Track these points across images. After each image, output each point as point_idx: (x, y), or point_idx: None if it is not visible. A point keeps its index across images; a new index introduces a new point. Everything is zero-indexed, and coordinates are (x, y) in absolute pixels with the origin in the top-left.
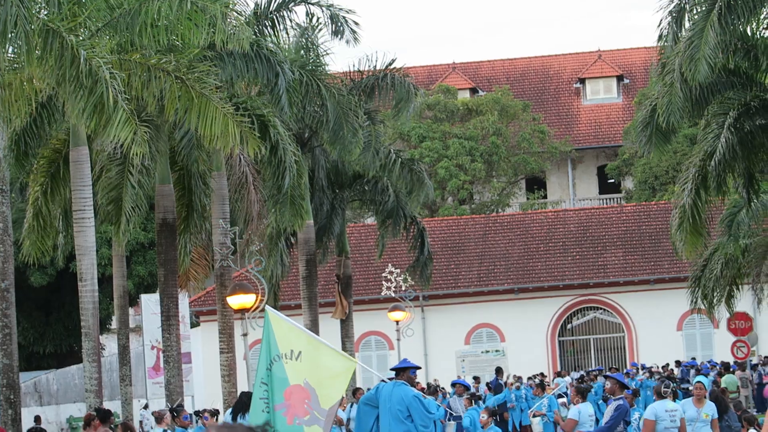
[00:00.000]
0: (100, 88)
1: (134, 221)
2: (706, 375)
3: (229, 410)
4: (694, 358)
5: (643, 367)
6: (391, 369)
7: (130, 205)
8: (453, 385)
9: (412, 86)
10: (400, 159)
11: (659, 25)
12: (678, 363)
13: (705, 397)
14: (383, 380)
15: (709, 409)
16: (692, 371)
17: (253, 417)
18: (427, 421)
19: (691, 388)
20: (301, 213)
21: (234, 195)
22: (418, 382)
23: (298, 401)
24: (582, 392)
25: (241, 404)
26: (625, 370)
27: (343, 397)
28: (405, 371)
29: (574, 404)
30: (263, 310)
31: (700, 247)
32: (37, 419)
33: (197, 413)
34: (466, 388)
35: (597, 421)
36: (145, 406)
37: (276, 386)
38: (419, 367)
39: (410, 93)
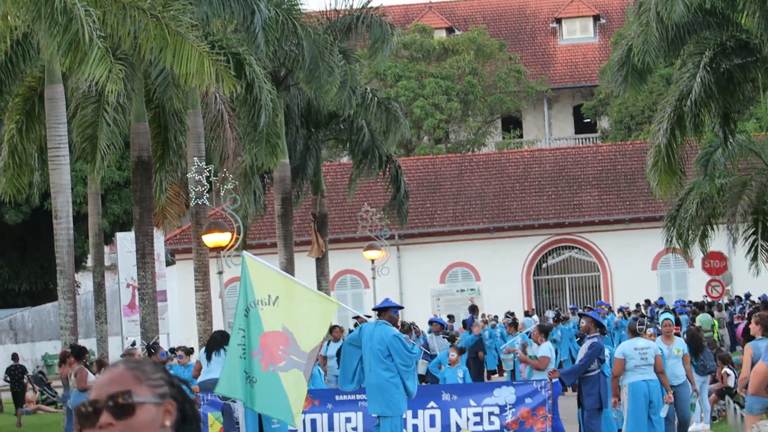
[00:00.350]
0: (75, 25)
1: (109, 159)
2: (681, 315)
3: (203, 348)
4: (662, 298)
5: (620, 309)
6: (373, 309)
7: (105, 143)
8: (430, 323)
9: (388, 26)
10: (376, 98)
11: None
12: (647, 302)
13: (673, 333)
14: (358, 317)
15: (679, 344)
16: (661, 310)
17: (230, 362)
18: (407, 360)
19: (659, 326)
20: (277, 151)
21: (209, 133)
22: None
23: (273, 347)
24: (545, 331)
25: (214, 342)
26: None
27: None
28: (387, 311)
29: (538, 343)
30: (239, 249)
31: (674, 187)
32: (15, 356)
33: (172, 350)
34: (442, 326)
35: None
36: (133, 344)
37: (252, 332)
38: (401, 307)
39: (386, 33)
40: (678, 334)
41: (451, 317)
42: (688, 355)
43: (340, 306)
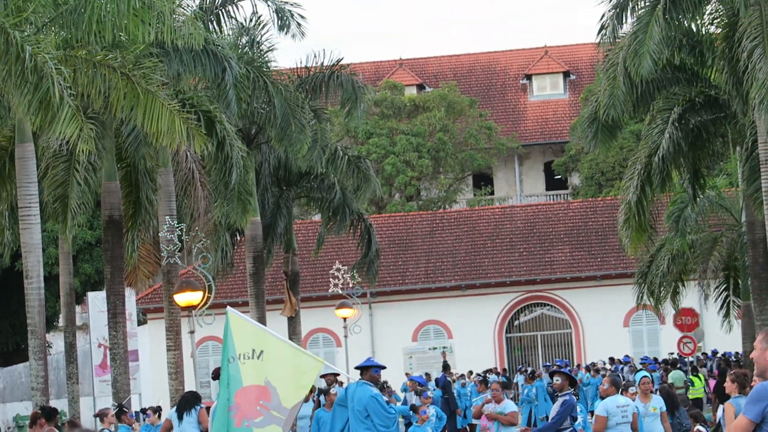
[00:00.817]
0: (45, 83)
1: (81, 219)
2: (652, 372)
3: (174, 408)
4: (627, 356)
5: (587, 368)
6: (355, 368)
7: (76, 202)
8: (410, 380)
9: (361, 86)
10: (346, 156)
11: (602, 18)
12: (612, 360)
13: (651, 392)
14: (325, 376)
15: (656, 402)
16: (626, 368)
17: (218, 421)
18: (386, 421)
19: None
20: (248, 209)
21: (180, 192)
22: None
23: (250, 402)
24: (506, 387)
25: (185, 401)
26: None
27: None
28: (368, 370)
29: (498, 400)
30: (210, 307)
31: (645, 243)
32: None
33: (142, 411)
34: (421, 384)
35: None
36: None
37: (230, 387)
38: (383, 366)
39: (359, 93)
40: (653, 392)
41: (427, 375)
42: (665, 412)
43: (324, 365)
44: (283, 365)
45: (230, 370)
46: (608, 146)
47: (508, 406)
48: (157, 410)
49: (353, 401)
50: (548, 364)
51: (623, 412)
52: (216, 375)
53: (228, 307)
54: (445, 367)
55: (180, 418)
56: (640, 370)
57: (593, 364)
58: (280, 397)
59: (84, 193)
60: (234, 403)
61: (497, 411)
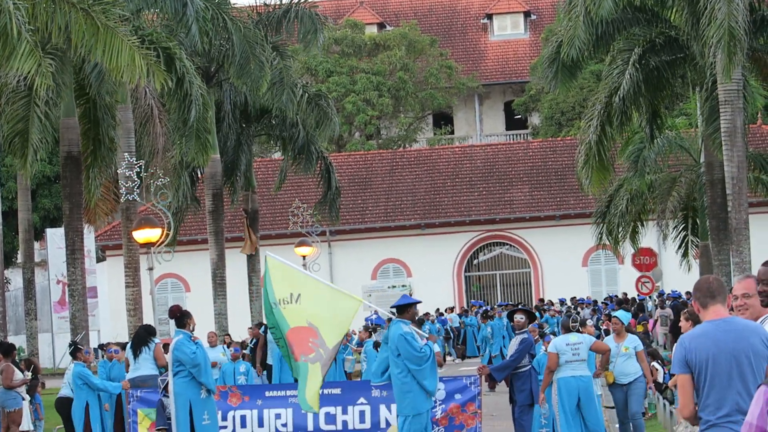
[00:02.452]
0: (3, 18)
1: (40, 154)
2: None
3: (129, 344)
4: (582, 298)
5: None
6: (392, 307)
7: (37, 137)
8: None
9: (320, 16)
10: (307, 94)
11: None
12: (562, 302)
13: (624, 332)
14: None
15: (630, 342)
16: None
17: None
18: (416, 360)
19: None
20: (207, 147)
21: (139, 128)
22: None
23: (302, 340)
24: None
25: (139, 338)
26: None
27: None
28: (407, 308)
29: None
30: (169, 244)
31: (606, 183)
32: None
33: (101, 347)
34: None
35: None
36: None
37: (279, 331)
38: (419, 302)
39: (318, 24)
40: (630, 332)
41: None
42: (642, 351)
43: (363, 303)
44: (322, 307)
45: (275, 316)
46: (568, 86)
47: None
48: (125, 346)
49: (389, 340)
50: (503, 303)
51: (574, 349)
52: (173, 313)
53: (267, 253)
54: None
55: (135, 354)
56: (613, 310)
57: (550, 302)
58: (324, 338)
59: (45, 129)
60: (288, 342)
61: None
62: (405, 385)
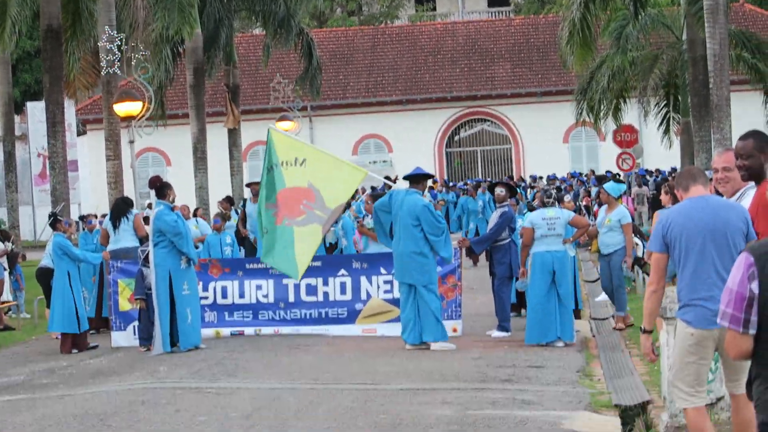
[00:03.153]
0: None
1: (20, 27)
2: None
3: (107, 217)
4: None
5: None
6: (404, 177)
7: (15, 9)
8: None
9: None
10: None
11: None
12: (533, 178)
13: (614, 203)
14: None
15: (616, 214)
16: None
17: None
18: (437, 231)
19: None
20: (190, 20)
21: (120, 1)
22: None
23: (294, 202)
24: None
25: (118, 209)
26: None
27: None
28: (422, 180)
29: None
30: (151, 118)
31: (588, 61)
32: None
33: (81, 218)
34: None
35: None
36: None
37: (271, 189)
38: (432, 176)
39: None
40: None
41: (373, 188)
42: (628, 224)
43: (368, 174)
44: (325, 172)
45: (274, 175)
46: None
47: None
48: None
49: (402, 209)
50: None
51: (549, 223)
52: (152, 183)
53: (270, 126)
54: (387, 178)
55: (115, 226)
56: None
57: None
58: (324, 199)
59: (24, 1)
60: (275, 202)
61: (368, 226)
62: (422, 256)
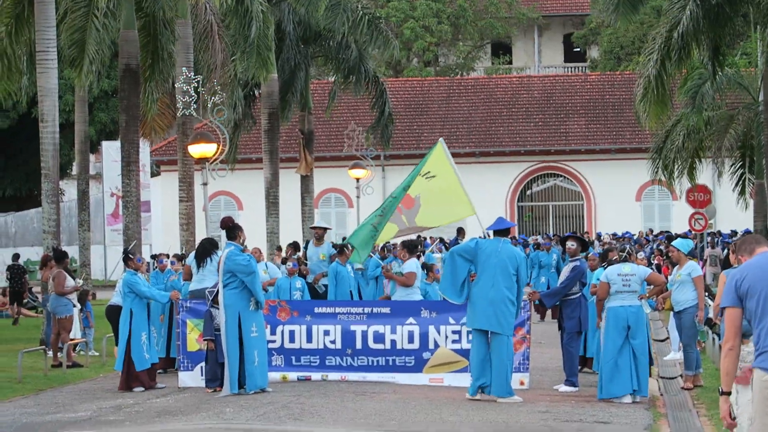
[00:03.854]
0: None
1: (97, 65)
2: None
3: (193, 253)
4: (627, 231)
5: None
6: (494, 230)
7: (93, 48)
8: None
9: None
10: (367, 16)
11: None
12: (598, 236)
13: (684, 259)
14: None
15: (686, 269)
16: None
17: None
18: (524, 280)
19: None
20: (267, 64)
21: (198, 44)
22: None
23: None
24: (408, 247)
25: (203, 250)
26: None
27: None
28: (508, 231)
29: (403, 259)
30: (224, 162)
31: (663, 118)
32: (15, 256)
33: (153, 257)
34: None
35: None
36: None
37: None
38: (515, 225)
39: None
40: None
41: (442, 239)
42: (700, 277)
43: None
44: (439, 194)
45: (411, 179)
46: (629, 19)
47: (408, 266)
48: (182, 258)
49: (500, 256)
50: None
51: (625, 280)
52: (224, 224)
53: (441, 139)
54: (459, 231)
55: (199, 266)
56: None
57: (599, 236)
58: (418, 214)
59: (102, 40)
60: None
61: (395, 271)
62: (513, 305)
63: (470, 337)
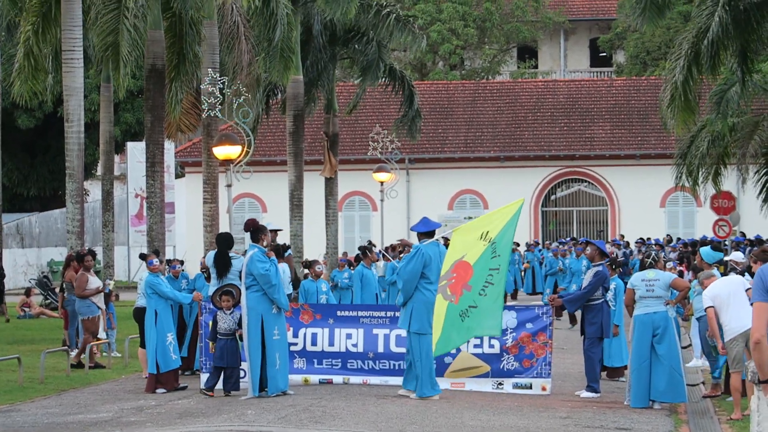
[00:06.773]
0: None
1: (130, 66)
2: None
3: (211, 252)
4: (650, 238)
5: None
6: (421, 232)
7: (126, 50)
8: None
9: None
10: (393, 14)
11: None
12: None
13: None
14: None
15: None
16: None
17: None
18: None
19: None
20: (290, 67)
21: (224, 45)
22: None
23: (459, 278)
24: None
25: (223, 259)
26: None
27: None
28: (434, 233)
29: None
30: (249, 164)
31: (690, 124)
32: None
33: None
34: None
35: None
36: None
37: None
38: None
39: None
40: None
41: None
42: None
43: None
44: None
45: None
46: (656, 24)
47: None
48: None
49: (437, 262)
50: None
51: (648, 285)
52: (248, 226)
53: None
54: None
55: (219, 277)
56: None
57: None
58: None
59: (134, 42)
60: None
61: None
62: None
63: (491, 342)
